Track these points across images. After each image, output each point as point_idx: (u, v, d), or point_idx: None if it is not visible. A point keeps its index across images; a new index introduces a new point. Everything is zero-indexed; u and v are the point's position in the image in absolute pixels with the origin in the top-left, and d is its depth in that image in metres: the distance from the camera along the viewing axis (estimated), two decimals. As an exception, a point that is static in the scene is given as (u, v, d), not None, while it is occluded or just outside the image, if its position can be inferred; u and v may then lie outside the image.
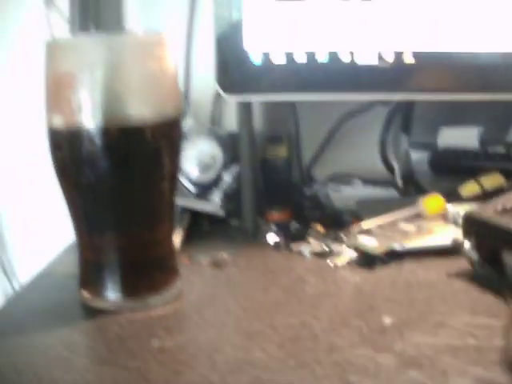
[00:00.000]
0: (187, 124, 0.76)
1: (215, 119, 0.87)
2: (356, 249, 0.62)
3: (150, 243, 0.55)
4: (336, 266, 0.60)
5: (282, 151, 0.79)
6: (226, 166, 0.75)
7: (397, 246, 0.61)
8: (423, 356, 0.44)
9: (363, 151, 0.87)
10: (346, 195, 0.80)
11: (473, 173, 0.74)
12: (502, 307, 0.50)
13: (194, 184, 0.74)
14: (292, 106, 0.86)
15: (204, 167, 0.75)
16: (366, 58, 0.65)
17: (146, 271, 0.55)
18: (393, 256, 0.61)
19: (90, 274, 0.55)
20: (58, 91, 0.51)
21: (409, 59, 0.65)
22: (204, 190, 0.74)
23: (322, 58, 0.65)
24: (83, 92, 0.50)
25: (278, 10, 0.64)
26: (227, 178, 0.74)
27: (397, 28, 0.65)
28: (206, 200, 0.74)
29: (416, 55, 0.65)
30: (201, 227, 0.74)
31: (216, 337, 0.48)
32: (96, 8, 0.73)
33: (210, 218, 0.74)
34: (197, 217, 0.74)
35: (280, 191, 0.80)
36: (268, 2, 0.64)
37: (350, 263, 0.61)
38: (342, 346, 0.46)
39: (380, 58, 0.65)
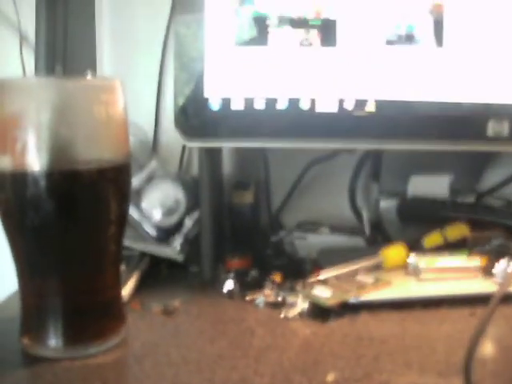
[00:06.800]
0: (152, 167, 0.75)
1: (183, 164, 0.86)
2: (309, 300, 0.60)
3: (94, 289, 0.54)
4: (287, 318, 0.59)
5: (248, 197, 0.78)
6: (188, 210, 0.74)
7: (351, 299, 0.59)
8: (360, 418, 0.42)
9: (333, 198, 0.86)
10: (311, 243, 0.78)
11: (440, 222, 0.73)
12: (452, 365, 0.49)
13: (156, 228, 0.73)
14: (262, 151, 0.85)
15: (167, 211, 0.73)
16: (327, 105, 0.64)
17: (90, 318, 0.53)
18: (347, 308, 0.59)
19: (32, 320, 0.54)
20: (4, 132, 0.51)
21: (370, 107, 0.64)
22: (165, 234, 0.73)
23: (282, 104, 0.64)
24: (29, 134, 0.49)
25: (240, 56, 0.64)
26: (189, 222, 0.73)
27: (358, 76, 0.64)
28: (166, 244, 0.72)
29: (377, 103, 0.64)
30: (159, 272, 0.73)
31: (151, 390, 0.47)
32: (64, 48, 0.73)
33: (170, 263, 0.73)
34: (156, 261, 0.73)
35: (246, 238, 0.78)
36: (229, 48, 0.64)
37: (303, 315, 0.59)
38: (278, 404, 0.44)
39: (340, 105, 0.64)
